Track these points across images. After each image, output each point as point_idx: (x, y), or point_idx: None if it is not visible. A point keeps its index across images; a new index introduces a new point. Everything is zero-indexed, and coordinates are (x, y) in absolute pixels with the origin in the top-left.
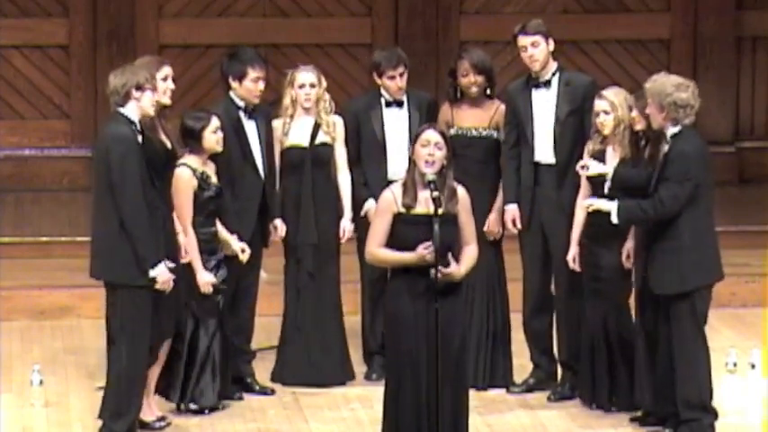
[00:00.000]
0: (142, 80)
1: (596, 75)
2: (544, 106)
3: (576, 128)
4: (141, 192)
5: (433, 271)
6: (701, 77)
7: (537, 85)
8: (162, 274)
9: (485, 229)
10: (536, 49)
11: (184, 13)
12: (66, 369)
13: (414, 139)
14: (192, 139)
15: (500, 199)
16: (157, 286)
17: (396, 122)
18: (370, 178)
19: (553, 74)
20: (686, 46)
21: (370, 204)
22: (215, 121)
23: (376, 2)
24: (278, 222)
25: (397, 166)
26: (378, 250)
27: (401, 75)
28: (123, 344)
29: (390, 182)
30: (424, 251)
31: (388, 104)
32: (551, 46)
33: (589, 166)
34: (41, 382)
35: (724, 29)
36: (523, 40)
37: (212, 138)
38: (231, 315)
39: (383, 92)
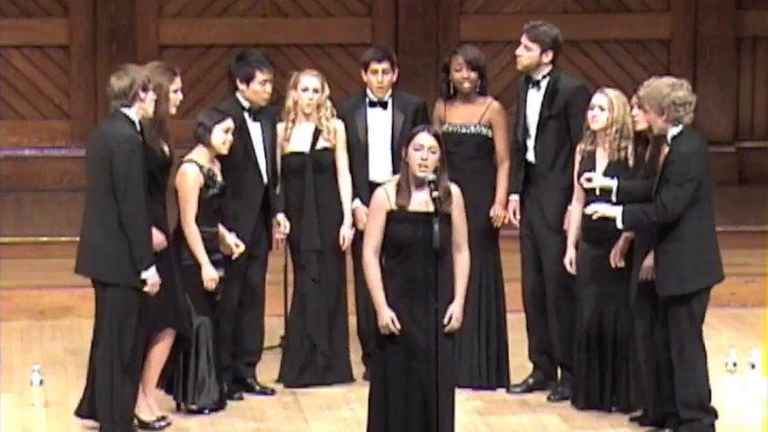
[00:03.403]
0: (146, 80)
1: (596, 75)
2: (533, 106)
3: (557, 131)
4: (144, 193)
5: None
6: (701, 77)
7: (530, 84)
8: (152, 276)
9: (491, 213)
10: (524, 51)
11: (184, 13)
12: (66, 369)
13: (407, 140)
14: (203, 129)
15: (501, 190)
16: (146, 288)
17: (379, 123)
18: (354, 180)
19: (544, 76)
20: (686, 46)
21: (355, 204)
22: (229, 122)
23: (376, 2)
24: (281, 218)
25: (379, 167)
26: (369, 265)
27: (384, 71)
28: (112, 343)
29: (372, 183)
30: (391, 324)
31: (372, 105)
32: (547, 58)
33: (593, 179)
34: (41, 382)
35: (724, 29)
36: (522, 37)
37: (221, 136)
38: (240, 317)
39: (368, 92)
